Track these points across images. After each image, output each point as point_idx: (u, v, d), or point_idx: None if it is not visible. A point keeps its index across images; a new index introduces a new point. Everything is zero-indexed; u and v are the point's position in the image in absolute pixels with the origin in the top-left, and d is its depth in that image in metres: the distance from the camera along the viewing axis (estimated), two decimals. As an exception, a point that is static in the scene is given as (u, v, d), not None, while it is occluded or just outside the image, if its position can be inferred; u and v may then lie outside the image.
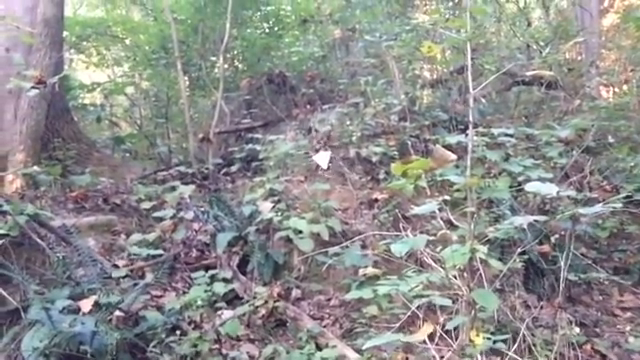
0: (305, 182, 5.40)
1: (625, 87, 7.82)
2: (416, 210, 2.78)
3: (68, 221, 4.61)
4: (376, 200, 5.11)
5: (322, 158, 5.39)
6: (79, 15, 9.36)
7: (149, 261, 4.37)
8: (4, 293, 3.60)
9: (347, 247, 4.04)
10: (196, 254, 4.76)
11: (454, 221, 3.02)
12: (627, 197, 4.85)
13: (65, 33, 7.32)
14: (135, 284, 3.92)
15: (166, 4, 7.25)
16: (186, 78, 8.30)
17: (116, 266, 4.23)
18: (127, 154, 8.32)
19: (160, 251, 4.48)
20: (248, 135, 6.75)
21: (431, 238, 2.76)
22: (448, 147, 4.73)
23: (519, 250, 3.57)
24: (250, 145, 6.11)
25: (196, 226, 4.98)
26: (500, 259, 4.28)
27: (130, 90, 9.35)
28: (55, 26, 5.96)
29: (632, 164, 5.16)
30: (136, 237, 4.62)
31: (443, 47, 7.01)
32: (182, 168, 6.58)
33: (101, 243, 4.65)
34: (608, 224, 4.94)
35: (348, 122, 5.81)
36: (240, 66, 8.89)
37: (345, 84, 6.90)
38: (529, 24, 8.54)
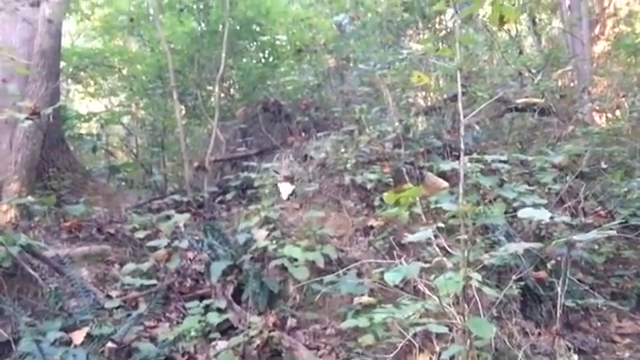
0: (300, 209, 5.40)
1: (618, 112, 7.90)
2: (411, 238, 2.77)
3: (61, 251, 4.58)
4: (371, 227, 5.10)
5: (285, 188, 5.46)
6: (77, 46, 9.42)
7: (143, 291, 4.33)
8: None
9: (343, 275, 4.01)
10: (190, 283, 4.71)
11: (449, 248, 3.01)
12: (622, 222, 4.86)
13: (62, 64, 7.40)
14: (128, 315, 3.88)
15: (162, 35, 7.33)
16: (182, 107, 8.35)
17: (109, 296, 4.19)
18: (123, 183, 8.32)
19: (154, 281, 4.44)
20: (243, 163, 6.76)
21: (426, 266, 2.75)
22: (442, 174, 4.79)
23: (515, 277, 3.56)
24: (245, 173, 6.11)
25: (191, 255, 4.95)
26: (497, 286, 4.28)
27: (126, 119, 9.41)
28: (52, 57, 6.02)
29: (626, 189, 5.17)
30: (130, 267, 4.58)
31: (437, 75, 7.11)
32: (177, 196, 6.56)
33: (94, 273, 4.61)
34: (604, 249, 4.93)
35: (343, 149, 5.83)
36: (236, 95, 8.96)
37: (340, 112, 6.95)
38: (521, 52, 8.67)
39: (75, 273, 4.21)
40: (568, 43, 9.30)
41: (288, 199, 5.58)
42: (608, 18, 11.45)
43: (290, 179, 5.75)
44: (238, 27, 7.99)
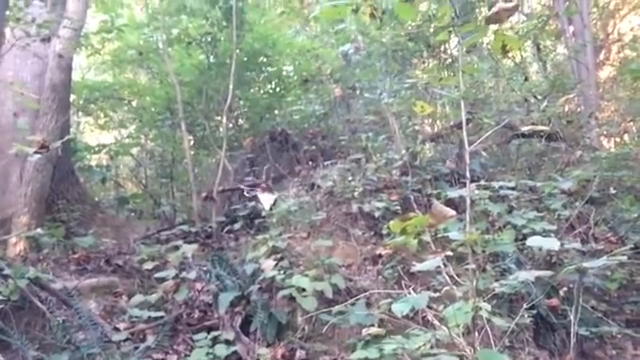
0: (308, 239, 5.37)
1: (626, 137, 7.88)
2: (419, 267, 2.75)
3: (70, 283, 4.57)
4: (380, 256, 5.07)
5: (266, 199, 5.46)
6: (87, 79, 9.61)
7: (150, 323, 4.30)
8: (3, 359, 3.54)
9: (351, 305, 3.97)
10: (198, 315, 4.67)
11: (458, 277, 2.97)
12: (634, 248, 4.79)
13: (73, 97, 7.53)
14: (136, 347, 3.85)
15: (171, 67, 7.46)
16: (190, 138, 8.43)
17: (117, 329, 4.16)
18: (132, 214, 8.35)
19: (162, 313, 4.42)
20: (251, 193, 6.78)
21: (435, 295, 2.72)
22: (450, 201, 4.77)
23: (527, 305, 3.50)
24: (253, 203, 6.12)
25: (198, 286, 4.92)
26: (509, 314, 4.21)
27: (136, 151, 9.50)
28: (62, 91, 6.13)
29: (636, 215, 5.12)
30: (138, 299, 4.57)
31: (443, 102, 7.15)
32: (185, 227, 6.57)
33: (102, 305, 4.60)
34: (617, 276, 4.84)
35: (350, 178, 5.84)
36: (243, 125, 9.04)
37: (346, 140, 6.98)
38: (526, 78, 8.71)
39: (83, 305, 4.20)
40: (573, 69, 9.35)
41: (295, 228, 5.57)
42: (612, 44, 11.54)
43: (270, 189, 5.77)
44: (245, 59, 8.11)
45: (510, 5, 2.23)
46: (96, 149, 8.73)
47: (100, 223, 6.70)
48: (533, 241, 2.37)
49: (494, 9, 2.20)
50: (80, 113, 9.37)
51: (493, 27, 2.31)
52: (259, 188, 6.18)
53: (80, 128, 10.34)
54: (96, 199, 7.97)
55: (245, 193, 6.43)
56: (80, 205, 6.62)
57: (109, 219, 7.04)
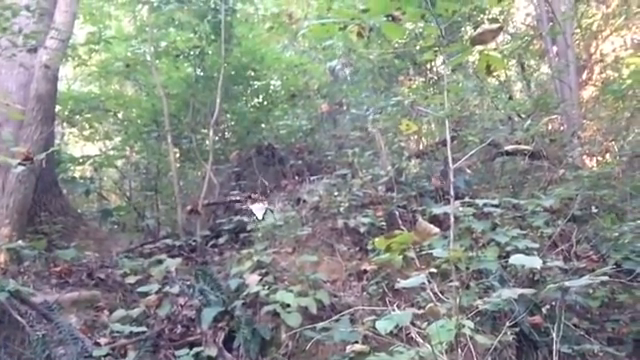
0: (293, 254, 5.37)
1: (607, 156, 8.00)
2: (403, 283, 2.75)
3: (50, 297, 4.51)
4: (365, 271, 5.07)
5: (258, 208, 5.49)
6: (73, 90, 9.55)
7: (132, 338, 4.24)
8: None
9: (336, 322, 3.96)
10: (181, 330, 4.62)
11: (442, 294, 2.98)
12: (616, 266, 4.85)
13: (58, 107, 7.47)
14: (116, 363, 3.79)
15: (158, 80, 7.45)
16: (176, 150, 8.40)
17: (98, 344, 4.10)
18: (115, 227, 8.26)
19: (144, 328, 4.36)
20: (237, 206, 6.76)
21: (419, 312, 2.72)
22: (435, 217, 4.80)
23: (510, 322, 3.52)
24: (238, 217, 6.10)
25: (182, 301, 4.87)
26: (492, 331, 4.23)
27: (120, 163, 9.43)
28: (47, 102, 6.08)
29: (617, 233, 5.18)
30: (119, 313, 4.51)
31: (429, 119, 7.21)
32: (169, 241, 6.52)
33: (83, 320, 4.53)
34: (599, 294, 4.88)
35: (336, 193, 5.85)
36: (230, 139, 9.04)
37: (333, 156, 7.02)
38: (510, 97, 8.83)
39: (63, 320, 4.14)
40: (557, 88, 9.48)
41: (281, 242, 5.56)
42: (595, 64, 11.74)
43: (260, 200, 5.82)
44: (233, 72, 8.14)
45: (494, 27, 2.27)
46: (80, 161, 8.66)
47: (83, 236, 6.63)
48: (516, 259, 2.39)
49: (479, 30, 2.24)
50: (65, 124, 9.29)
51: (478, 47, 2.35)
52: (249, 199, 6.19)
53: (65, 139, 10.25)
54: (79, 211, 7.88)
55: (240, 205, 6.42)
56: (63, 217, 6.54)
57: (92, 232, 6.96)
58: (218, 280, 4.90)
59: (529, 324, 4.40)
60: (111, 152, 9.41)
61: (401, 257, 2.57)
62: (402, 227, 5.19)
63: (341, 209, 5.56)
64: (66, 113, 8.56)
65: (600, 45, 11.55)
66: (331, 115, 8.24)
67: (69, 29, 6.30)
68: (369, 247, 5.30)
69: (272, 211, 5.82)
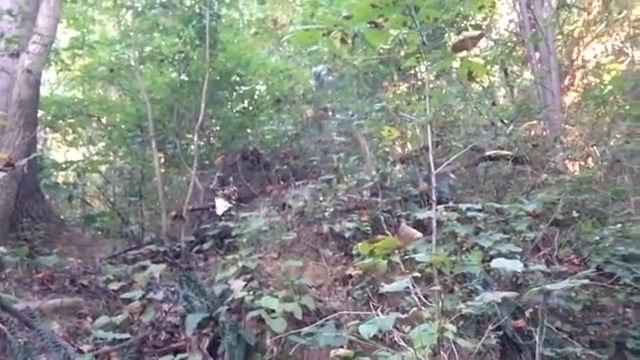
0: (278, 259, 5.36)
1: (590, 161, 8.11)
2: (387, 288, 2.76)
3: (32, 304, 4.45)
4: (350, 276, 5.08)
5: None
6: (56, 95, 9.46)
7: (115, 345, 4.20)
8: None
9: (321, 327, 3.96)
10: (165, 337, 4.59)
11: (426, 298, 3.00)
12: (597, 270, 4.92)
13: (41, 112, 7.39)
14: (99, 371, 3.75)
15: (142, 85, 7.41)
16: (161, 156, 8.35)
17: (80, 351, 4.06)
18: (98, 232, 8.18)
19: (127, 334, 4.32)
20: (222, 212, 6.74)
21: (403, 316, 2.73)
22: (419, 222, 4.82)
23: (493, 326, 3.55)
24: (223, 222, 6.08)
25: (166, 307, 4.84)
26: (476, 335, 4.26)
27: (104, 168, 9.35)
28: (30, 107, 6.02)
29: (598, 237, 5.26)
30: (102, 320, 4.47)
31: (413, 124, 7.26)
32: (154, 246, 6.46)
33: (66, 327, 4.48)
34: (581, 297, 4.95)
35: (321, 198, 5.87)
36: (215, 144, 9.01)
37: (318, 161, 7.03)
38: (494, 103, 8.92)
39: (46, 327, 4.09)
40: (539, 94, 9.60)
41: (266, 248, 5.55)
42: (577, 70, 11.90)
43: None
44: (218, 77, 8.12)
45: (475, 34, 2.30)
46: (63, 166, 8.56)
47: (65, 242, 6.55)
48: (498, 263, 2.42)
49: (460, 37, 2.27)
50: (48, 129, 9.20)
51: (460, 54, 2.38)
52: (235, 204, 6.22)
53: (47, 144, 10.14)
54: (62, 217, 7.80)
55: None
56: (45, 223, 6.47)
57: (75, 238, 6.89)
58: (203, 286, 4.87)
59: (512, 327, 4.45)
60: (95, 157, 9.33)
61: (386, 262, 2.58)
62: (387, 232, 5.21)
63: (326, 214, 5.57)
64: (49, 118, 8.47)
65: (582, 51, 11.71)
66: (316, 120, 8.26)
67: (52, 33, 6.26)
68: (354, 252, 5.31)
69: (257, 216, 5.80)
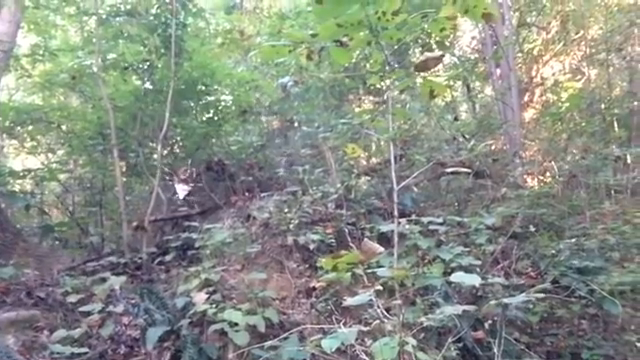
0: (242, 271, 5.34)
1: (547, 175, 8.36)
2: (350, 302, 2.79)
3: (-15, 318, 4.31)
4: (314, 289, 5.09)
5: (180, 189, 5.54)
6: (15, 101, 9.20)
7: (73, 360, 4.10)
8: None
9: (284, 340, 3.96)
10: (124, 351, 4.49)
11: (388, 311, 3.04)
12: (554, 282, 5.07)
13: (-2, 119, 7.19)
14: (55, 387, 3.65)
15: (105, 92, 7.29)
16: (123, 164, 8.20)
17: (36, 367, 3.94)
18: (57, 243, 7.96)
19: (85, 349, 4.21)
20: (185, 223, 6.66)
21: (365, 329, 2.77)
22: (383, 235, 4.88)
23: (454, 338, 3.61)
24: (186, 233, 6.01)
25: (126, 320, 4.75)
26: (437, 347, 4.32)
27: (64, 177, 9.12)
28: (-13, 113, 5.86)
29: (554, 251, 5.42)
30: (60, 333, 4.35)
31: (378, 137, 7.34)
32: (114, 258, 6.33)
33: (21, 341, 4.34)
34: (538, 309, 5.08)
35: (286, 210, 5.87)
36: (179, 154, 8.91)
37: (283, 172, 7.03)
38: (456, 118, 9.12)
39: (0, 341, 3.96)
40: (500, 110, 9.87)
41: (229, 260, 5.51)
42: (536, 87, 12.29)
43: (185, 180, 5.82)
44: (183, 87, 8.05)
45: (437, 54, 2.37)
46: (21, 174, 8.31)
47: (22, 252, 6.36)
48: (457, 277, 2.48)
49: (422, 58, 2.34)
50: (5, 136, 8.93)
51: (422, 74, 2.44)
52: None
53: (4, 152, 9.84)
54: (18, 227, 7.57)
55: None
56: (1, 233, 6.27)
57: (32, 248, 6.69)
58: (164, 299, 4.81)
59: (472, 339, 4.52)
60: (54, 165, 9.09)
61: (349, 274, 2.61)
62: (351, 244, 5.26)
63: (291, 226, 5.58)
64: (7, 124, 8.23)
65: (541, 69, 12.11)
66: (282, 132, 8.28)
67: (12, 39, 6.12)
68: (318, 264, 5.32)
69: (221, 228, 5.77)
